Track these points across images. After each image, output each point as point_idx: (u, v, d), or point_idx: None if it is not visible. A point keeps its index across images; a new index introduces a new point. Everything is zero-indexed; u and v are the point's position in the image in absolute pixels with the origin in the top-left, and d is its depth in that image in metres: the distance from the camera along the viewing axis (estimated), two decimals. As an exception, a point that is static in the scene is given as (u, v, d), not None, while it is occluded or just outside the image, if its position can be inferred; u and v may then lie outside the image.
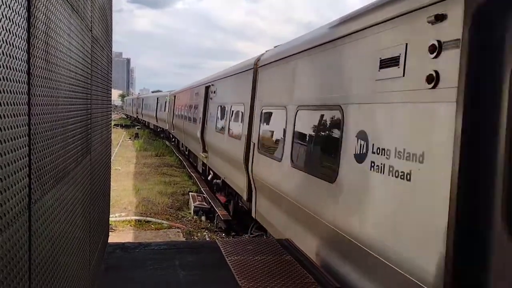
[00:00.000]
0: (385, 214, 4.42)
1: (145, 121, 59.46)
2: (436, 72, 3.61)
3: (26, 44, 1.97)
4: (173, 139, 35.03)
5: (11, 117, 1.75)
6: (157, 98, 41.31)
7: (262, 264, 5.95)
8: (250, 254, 6.37)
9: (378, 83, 4.55)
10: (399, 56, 4.16)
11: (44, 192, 2.34)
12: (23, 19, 1.91)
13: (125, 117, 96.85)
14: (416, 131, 3.93)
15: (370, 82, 4.71)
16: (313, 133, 6.59)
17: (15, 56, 1.80)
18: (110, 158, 7.02)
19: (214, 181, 15.71)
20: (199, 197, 15.81)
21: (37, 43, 2.17)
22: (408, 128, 4.06)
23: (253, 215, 9.62)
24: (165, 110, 34.87)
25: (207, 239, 12.13)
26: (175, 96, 29.05)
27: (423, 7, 3.85)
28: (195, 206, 14.73)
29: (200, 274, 5.60)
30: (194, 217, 14.38)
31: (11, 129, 1.76)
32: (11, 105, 1.74)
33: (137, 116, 69.39)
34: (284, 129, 7.45)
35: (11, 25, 1.74)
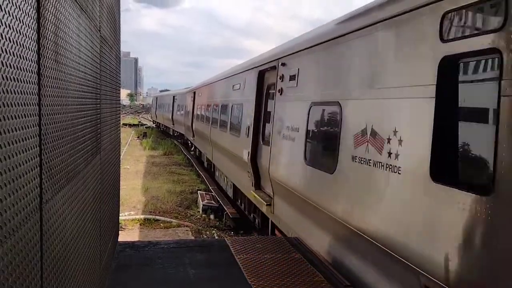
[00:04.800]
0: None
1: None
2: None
3: (36, 45, 1.97)
4: None
5: (22, 118, 1.76)
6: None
7: (271, 262, 5.95)
8: (259, 252, 6.37)
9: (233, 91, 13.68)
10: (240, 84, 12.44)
11: (55, 192, 2.35)
12: (32, 20, 1.91)
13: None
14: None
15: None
16: (229, 112, 13.84)
17: (25, 57, 1.81)
18: (120, 157, 7.05)
19: None
20: (207, 196, 15.85)
21: (47, 44, 2.17)
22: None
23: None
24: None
25: (216, 237, 12.16)
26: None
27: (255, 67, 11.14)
28: (203, 205, 14.78)
29: (210, 272, 5.62)
30: (203, 215, 14.42)
31: (22, 129, 1.76)
32: (22, 105, 1.75)
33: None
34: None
35: (21, 26, 1.74)
